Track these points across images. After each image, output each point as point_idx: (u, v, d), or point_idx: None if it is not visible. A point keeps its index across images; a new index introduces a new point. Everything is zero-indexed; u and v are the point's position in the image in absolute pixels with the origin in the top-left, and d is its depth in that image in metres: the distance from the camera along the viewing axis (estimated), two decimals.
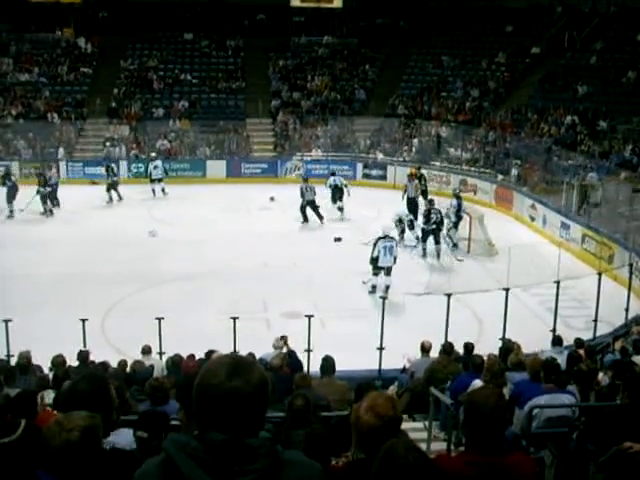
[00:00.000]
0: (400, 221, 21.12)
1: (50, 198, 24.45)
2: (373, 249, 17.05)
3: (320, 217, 23.61)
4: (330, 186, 25.09)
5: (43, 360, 10.43)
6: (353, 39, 37.09)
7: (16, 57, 34.93)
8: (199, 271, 18.10)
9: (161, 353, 11.90)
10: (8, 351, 11.19)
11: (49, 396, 7.29)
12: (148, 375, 8.98)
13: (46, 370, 10.15)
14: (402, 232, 20.96)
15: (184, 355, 10.72)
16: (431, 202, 20.82)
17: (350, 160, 30.97)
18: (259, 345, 11.05)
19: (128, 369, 10.43)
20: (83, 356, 10.44)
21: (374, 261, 17.01)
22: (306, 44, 37.16)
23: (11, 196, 23.60)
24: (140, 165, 29.77)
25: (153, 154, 28.63)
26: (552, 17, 34.30)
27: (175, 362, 10.54)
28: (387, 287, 16.79)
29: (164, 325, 12.15)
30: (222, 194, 26.21)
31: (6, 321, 11.57)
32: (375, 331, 12.52)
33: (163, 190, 27.13)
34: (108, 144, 31.10)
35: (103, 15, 38.27)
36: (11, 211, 23.46)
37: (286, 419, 6.11)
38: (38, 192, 23.98)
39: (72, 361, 10.29)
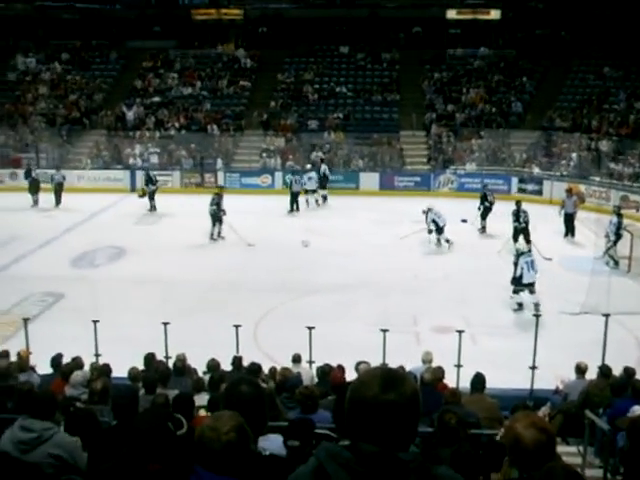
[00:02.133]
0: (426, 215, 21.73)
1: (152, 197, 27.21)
2: (515, 268, 16.64)
3: (296, 208, 27.11)
4: (321, 174, 28.56)
5: (197, 363, 10.79)
6: (510, 50, 36.41)
7: (180, 72, 36.59)
8: (350, 282, 18.24)
9: (311, 362, 12.01)
10: (166, 353, 11.62)
11: (203, 398, 7.51)
12: (298, 383, 9.09)
13: (200, 373, 10.47)
14: (430, 232, 21.65)
15: (333, 365, 10.78)
16: (518, 203, 22.08)
17: (505, 174, 30.37)
18: (408, 359, 10.98)
19: (278, 376, 10.61)
20: (237, 362, 10.71)
21: (518, 279, 16.62)
22: (462, 56, 36.83)
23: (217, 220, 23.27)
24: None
25: (309, 166, 29.14)
26: None
27: (324, 372, 10.61)
28: (536, 305, 16.21)
29: (314, 334, 12.28)
30: (375, 206, 26.32)
31: (165, 324, 12.03)
32: (527, 349, 12.18)
33: (324, 197, 28.17)
34: (264, 155, 31.95)
35: (262, 30, 39.45)
36: (219, 233, 23.22)
37: (434, 435, 6.02)
38: (146, 192, 26.79)
39: (225, 366, 10.58)
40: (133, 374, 9.47)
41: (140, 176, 30.35)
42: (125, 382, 9.22)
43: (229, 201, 26.94)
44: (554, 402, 10.54)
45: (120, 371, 9.83)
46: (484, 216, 23.76)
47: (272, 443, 4.33)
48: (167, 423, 3.49)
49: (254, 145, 33.10)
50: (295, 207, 27.26)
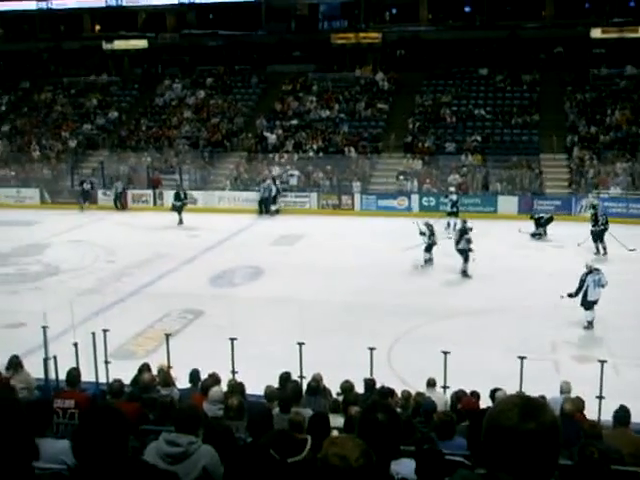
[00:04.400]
0: (423, 233, 21.82)
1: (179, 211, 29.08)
2: (582, 284, 16.51)
3: (270, 212, 30.82)
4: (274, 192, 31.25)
5: (331, 384, 10.82)
6: None
7: (319, 95, 37.21)
8: (487, 306, 17.92)
9: (445, 387, 11.85)
10: (301, 372, 11.72)
11: (339, 420, 7.51)
12: (432, 408, 8.97)
13: (334, 394, 10.50)
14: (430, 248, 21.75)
15: (467, 391, 10.60)
16: (595, 207, 24.14)
17: None
18: (546, 387, 10.63)
19: (412, 401, 10.51)
20: (370, 384, 10.69)
21: (583, 297, 16.46)
22: (606, 76, 35.72)
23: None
24: (431, 199, 30.23)
25: (452, 189, 28.95)
26: None
27: (459, 397, 10.45)
28: (590, 322, 16.44)
29: (449, 359, 12.10)
30: (513, 230, 25.74)
31: (300, 344, 12.15)
32: None
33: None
34: (401, 177, 31.94)
35: (400, 53, 39.66)
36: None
37: (575, 469, 5.79)
38: (174, 207, 29.10)
39: (359, 388, 10.57)
40: (269, 393, 9.60)
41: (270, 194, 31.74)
42: (260, 400, 9.37)
43: (364, 223, 27.11)
44: None
45: (255, 389, 9.99)
46: (594, 239, 23.36)
47: (404, 467, 4.29)
48: (269, 451, 3.52)
49: (391, 168, 33.17)
50: (264, 211, 30.90)
